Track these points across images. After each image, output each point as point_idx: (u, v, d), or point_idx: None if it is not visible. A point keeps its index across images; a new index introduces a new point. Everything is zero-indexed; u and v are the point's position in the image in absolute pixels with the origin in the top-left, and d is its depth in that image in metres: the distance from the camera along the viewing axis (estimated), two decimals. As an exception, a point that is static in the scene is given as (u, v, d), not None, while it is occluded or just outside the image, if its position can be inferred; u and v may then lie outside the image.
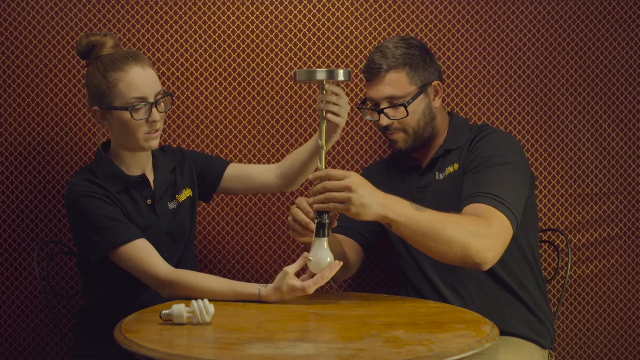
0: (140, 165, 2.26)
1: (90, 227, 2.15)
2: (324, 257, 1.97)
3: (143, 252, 2.13)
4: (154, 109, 2.15)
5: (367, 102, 2.36)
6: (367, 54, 2.65)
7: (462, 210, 2.11)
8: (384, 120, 2.30)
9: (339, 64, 2.65)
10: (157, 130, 2.18)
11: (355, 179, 1.93)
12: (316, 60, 2.64)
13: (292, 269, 2.01)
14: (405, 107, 2.27)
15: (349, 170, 1.97)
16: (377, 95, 2.30)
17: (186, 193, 2.33)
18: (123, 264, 2.14)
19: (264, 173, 2.37)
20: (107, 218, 2.14)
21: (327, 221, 1.97)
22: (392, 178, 2.43)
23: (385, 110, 2.29)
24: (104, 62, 2.16)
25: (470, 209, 2.08)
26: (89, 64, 2.22)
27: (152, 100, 2.15)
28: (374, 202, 1.93)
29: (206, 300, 1.84)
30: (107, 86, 2.15)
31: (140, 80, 2.15)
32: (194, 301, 1.84)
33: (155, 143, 2.19)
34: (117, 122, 2.17)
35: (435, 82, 2.34)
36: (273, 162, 2.63)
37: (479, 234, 1.99)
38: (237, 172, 2.39)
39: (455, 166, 2.30)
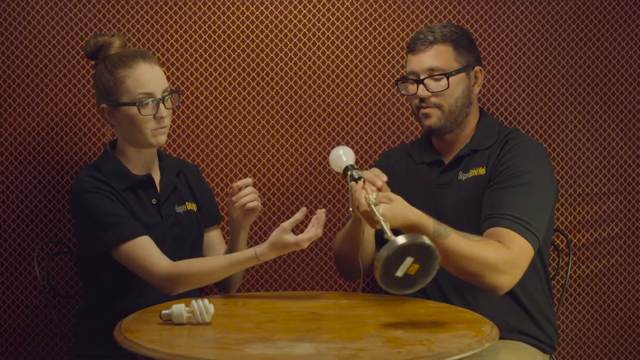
0: (146, 164, 2.27)
1: (93, 223, 2.16)
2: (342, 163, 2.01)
3: (145, 250, 2.13)
4: (161, 105, 2.18)
5: (406, 78, 2.32)
6: (367, 54, 2.66)
7: (483, 230, 2.11)
8: (423, 92, 2.25)
9: (339, 63, 2.65)
10: (164, 127, 2.20)
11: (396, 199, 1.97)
12: (316, 60, 2.64)
13: (288, 224, 2.03)
14: (448, 78, 2.24)
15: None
16: (419, 66, 2.26)
17: (191, 206, 2.34)
18: (125, 261, 2.14)
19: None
20: (111, 215, 2.15)
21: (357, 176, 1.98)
22: (410, 167, 2.40)
23: (425, 81, 2.25)
24: (112, 61, 2.19)
25: (493, 233, 2.09)
26: (97, 64, 2.24)
27: (159, 96, 2.18)
28: (399, 223, 1.96)
29: (206, 300, 1.84)
30: (115, 83, 2.17)
31: (148, 76, 2.18)
32: (193, 301, 1.84)
33: (163, 139, 2.21)
34: (124, 118, 2.19)
35: (477, 68, 2.32)
36: (273, 162, 2.64)
37: (497, 266, 2.02)
38: (211, 239, 2.42)
39: (481, 170, 2.27)
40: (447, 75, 2.24)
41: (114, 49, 2.22)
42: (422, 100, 2.27)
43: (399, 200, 1.97)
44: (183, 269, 2.11)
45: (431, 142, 2.40)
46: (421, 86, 2.26)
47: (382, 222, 1.84)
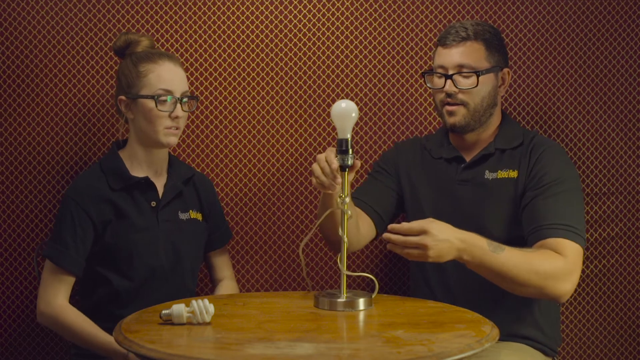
0: (154, 166, 2.28)
1: (55, 227, 2.23)
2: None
3: (58, 283, 2.18)
4: (178, 105, 2.21)
5: (433, 71, 2.30)
6: (367, 54, 2.66)
7: (531, 245, 2.11)
8: (450, 87, 2.23)
9: (339, 63, 2.65)
10: (177, 128, 2.22)
11: (430, 239, 1.93)
12: (316, 60, 2.64)
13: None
14: (478, 76, 2.22)
15: (426, 221, 1.96)
16: (450, 60, 2.24)
17: (196, 215, 2.34)
18: (42, 274, 2.22)
19: (219, 278, 2.44)
20: (67, 235, 2.19)
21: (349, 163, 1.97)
22: (426, 161, 2.38)
23: (454, 77, 2.23)
24: (139, 55, 2.24)
25: (543, 245, 2.10)
26: (122, 59, 2.29)
27: (178, 95, 2.21)
28: (450, 252, 1.96)
29: (206, 300, 1.84)
30: (137, 75, 2.21)
31: (171, 74, 2.21)
32: (193, 301, 1.84)
33: (174, 140, 2.23)
34: (140, 112, 2.21)
35: (506, 69, 2.31)
36: (273, 162, 2.64)
37: (555, 275, 2.03)
38: (218, 257, 2.43)
39: (512, 173, 2.26)
40: (478, 73, 2.23)
41: (142, 47, 2.27)
42: (448, 95, 2.24)
43: (441, 235, 1.95)
44: (67, 315, 2.17)
45: (448, 139, 2.38)
46: (449, 81, 2.24)
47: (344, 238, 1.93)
